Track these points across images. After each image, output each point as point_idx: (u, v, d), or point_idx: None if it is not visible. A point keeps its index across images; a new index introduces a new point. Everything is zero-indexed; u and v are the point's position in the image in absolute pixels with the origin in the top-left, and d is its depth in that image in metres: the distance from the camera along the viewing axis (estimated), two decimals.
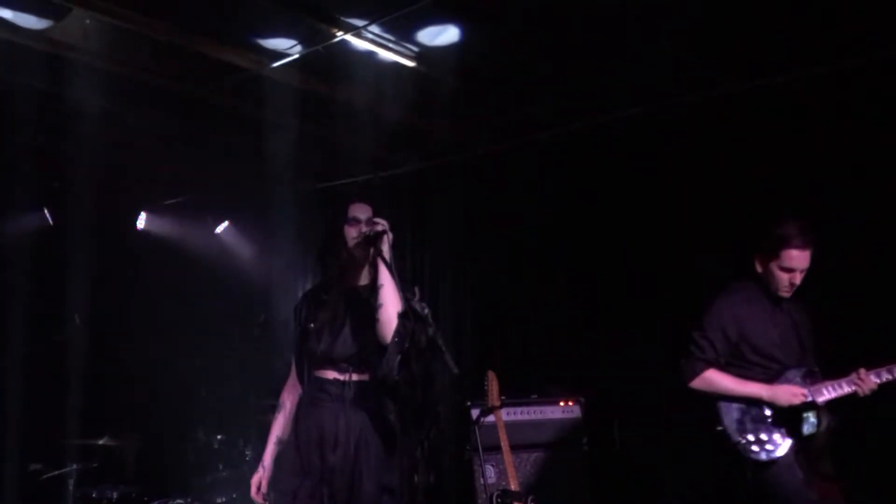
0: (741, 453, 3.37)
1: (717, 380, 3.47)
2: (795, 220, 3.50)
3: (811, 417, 3.39)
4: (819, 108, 4.32)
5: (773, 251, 3.48)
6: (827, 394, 3.42)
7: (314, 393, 3.09)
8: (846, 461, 3.55)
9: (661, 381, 4.70)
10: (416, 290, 2.93)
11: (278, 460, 3.14)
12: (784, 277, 3.47)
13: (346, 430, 3.01)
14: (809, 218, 3.54)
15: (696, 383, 3.49)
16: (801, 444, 3.39)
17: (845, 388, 3.42)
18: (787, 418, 3.39)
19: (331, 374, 3.09)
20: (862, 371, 3.40)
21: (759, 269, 3.56)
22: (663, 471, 5.00)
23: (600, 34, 4.04)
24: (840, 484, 3.46)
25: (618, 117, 4.80)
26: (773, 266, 3.48)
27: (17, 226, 5.98)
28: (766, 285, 3.55)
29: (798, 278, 3.49)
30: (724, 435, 3.42)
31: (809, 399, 3.40)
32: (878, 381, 3.38)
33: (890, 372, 3.40)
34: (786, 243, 3.44)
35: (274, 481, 3.13)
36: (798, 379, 3.47)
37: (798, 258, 3.44)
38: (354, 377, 3.07)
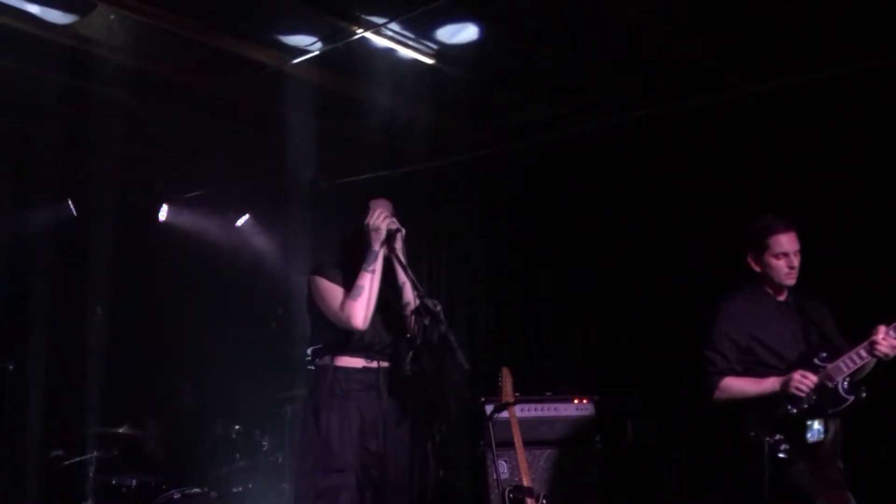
0: (768, 452, 3.31)
1: (734, 385, 3.45)
2: (769, 213, 3.55)
3: (816, 425, 3.34)
4: (830, 112, 4.33)
5: (761, 243, 3.50)
6: (845, 368, 3.25)
7: (342, 384, 3.14)
8: (855, 469, 3.52)
9: (674, 379, 4.72)
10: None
11: (311, 457, 3.15)
12: (781, 264, 3.47)
13: (386, 416, 3.11)
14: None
15: (718, 395, 3.47)
16: (808, 452, 3.35)
17: (864, 356, 3.21)
18: (792, 425, 3.34)
19: (359, 363, 3.16)
20: (882, 329, 3.18)
21: (755, 267, 3.56)
22: (675, 470, 5.00)
23: (617, 35, 4.05)
24: (849, 492, 3.44)
25: (635, 117, 4.80)
26: (768, 257, 3.50)
27: (41, 216, 6.07)
28: (768, 281, 3.55)
29: (795, 261, 3.48)
30: (753, 439, 3.35)
31: (818, 382, 3.27)
32: None
33: None
34: (770, 230, 3.48)
35: (308, 481, 3.13)
36: (816, 362, 3.34)
37: (787, 240, 3.47)
38: (384, 364, 3.15)
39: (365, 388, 3.13)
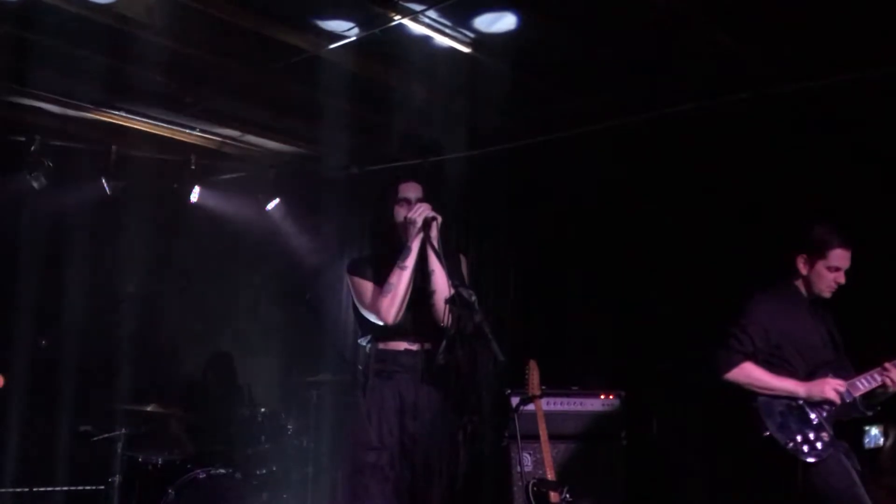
0: (793, 455, 3.33)
1: (754, 373, 3.46)
2: (833, 223, 3.56)
3: (873, 430, 3.38)
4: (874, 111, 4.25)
5: (820, 251, 3.52)
6: (862, 387, 3.44)
7: (384, 366, 3.18)
8: None
9: (700, 377, 4.68)
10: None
11: (353, 435, 3.22)
12: (830, 277, 3.50)
13: (426, 398, 3.12)
14: (846, 219, 3.59)
15: (733, 374, 3.48)
16: (866, 456, 3.36)
17: (878, 379, 3.45)
18: (848, 432, 3.37)
19: (401, 346, 3.18)
20: (886, 364, 3.44)
21: (803, 270, 3.57)
22: (700, 468, 4.97)
23: (657, 28, 4.00)
24: None
25: (670, 112, 4.75)
26: (820, 266, 3.51)
27: (76, 194, 6.14)
28: (807, 286, 3.58)
29: (843, 278, 3.52)
30: (773, 440, 3.38)
31: (845, 392, 3.38)
32: None
33: None
34: (832, 243, 3.50)
35: (349, 456, 3.20)
36: (831, 375, 3.46)
37: (844, 257, 3.50)
38: (426, 346, 3.17)
39: (405, 369, 3.17)
